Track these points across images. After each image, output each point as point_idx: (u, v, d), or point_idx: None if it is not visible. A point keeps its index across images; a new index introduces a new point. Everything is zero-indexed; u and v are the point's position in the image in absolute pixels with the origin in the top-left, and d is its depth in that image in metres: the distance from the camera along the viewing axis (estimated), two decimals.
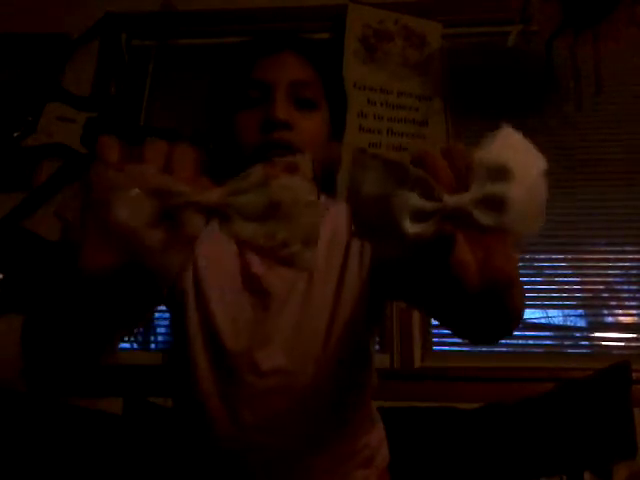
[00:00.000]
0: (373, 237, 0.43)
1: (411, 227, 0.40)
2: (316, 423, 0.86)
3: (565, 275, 1.76)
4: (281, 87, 0.85)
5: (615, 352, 1.62)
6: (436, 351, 1.66)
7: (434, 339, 1.67)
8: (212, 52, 1.99)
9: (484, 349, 1.66)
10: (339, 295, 0.86)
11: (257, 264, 0.88)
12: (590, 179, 1.76)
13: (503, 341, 1.70)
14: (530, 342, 1.69)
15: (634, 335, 1.63)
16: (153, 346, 1.78)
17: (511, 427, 1.30)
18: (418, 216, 0.40)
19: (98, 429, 1.39)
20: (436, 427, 1.33)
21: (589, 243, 1.72)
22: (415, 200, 0.40)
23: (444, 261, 0.40)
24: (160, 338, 1.78)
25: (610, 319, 1.71)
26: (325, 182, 0.86)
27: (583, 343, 1.69)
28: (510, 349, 1.68)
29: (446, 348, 1.68)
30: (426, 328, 1.67)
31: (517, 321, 0.62)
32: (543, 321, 1.76)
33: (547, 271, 1.76)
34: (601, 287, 1.70)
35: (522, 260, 1.76)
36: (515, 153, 0.41)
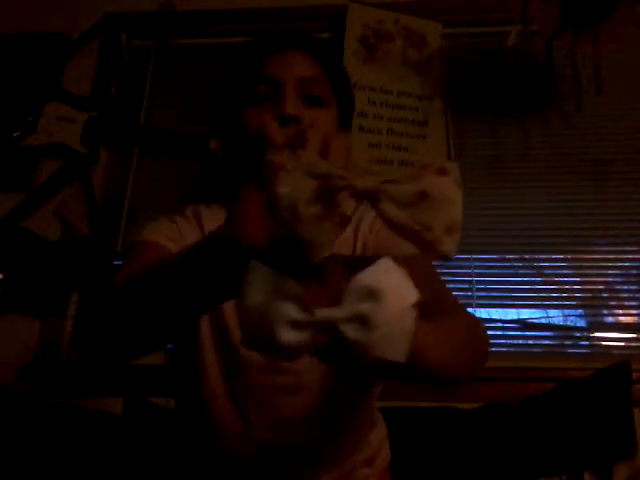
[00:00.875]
0: (255, 345, 0.46)
1: (286, 335, 0.44)
2: (322, 422, 0.86)
3: (565, 275, 1.76)
4: (290, 83, 0.85)
5: (615, 352, 1.62)
6: None
7: None
8: (212, 52, 1.99)
9: None
10: None
11: None
12: (590, 179, 1.75)
13: (503, 341, 1.70)
14: (530, 342, 1.69)
15: (634, 335, 1.63)
16: None
17: (511, 427, 1.30)
18: (295, 326, 0.44)
19: (98, 429, 1.39)
20: (436, 427, 1.33)
21: (589, 243, 1.72)
22: (290, 311, 0.44)
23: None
24: None
25: (610, 319, 1.71)
26: None
27: (583, 343, 1.69)
28: (510, 349, 1.68)
29: None
30: None
31: (451, 379, 0.61)
32: (543, 321, 1.76)
33: (547, 271, 1.77)
34: (601, 287, 1.70)
35: (522, 260, 1.76)
36: (390, 281, 0.45)
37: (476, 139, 1.83)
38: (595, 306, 1.71)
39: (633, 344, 1.62)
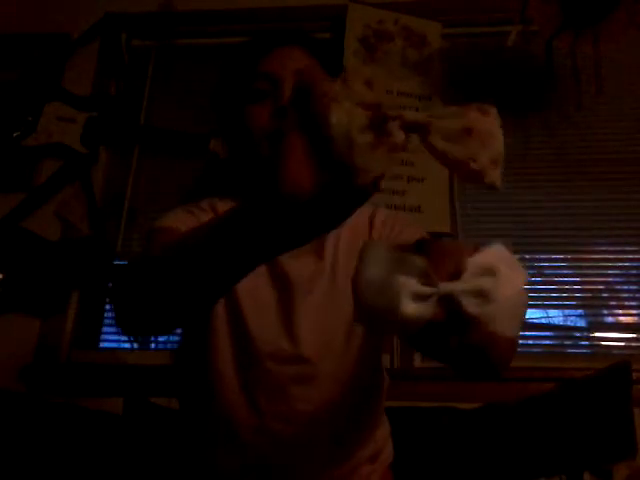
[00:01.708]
0: (372, 319, 0.49)
1: (410, 308, 0.46)
2: (334, 415, 0.86)
3: (565, 275, 1.76)
4: (289, 78, 0.87)
5: (615, 352, 1.62)
6: None
7: None
8: (212, 52, 1.99)
9: None
10: None
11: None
12: (590, 179, 1.75)
13: None
14: (530, 342, 1.69)
15: (634, 335, 1.63)
16: (153, 346, 1.78)
17: (511, 427, 1.30)
18: (417, 299, 0.46)
19: (98, 429, 1.39)
20: (436, 427, 1.33)
21: (589, 243, 1.72)
22: (414, 285, 0.46)
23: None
24: (160, 338, 1.78)
25: (610, 319, 1.71)
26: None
27: (583, 343, 1.69)
28: None
29: None
30: None
31: (502, 367, 0.66)
32: (543, 321, 1.76)
33: (547, 271, 1.76)
34: (601, 287, 1.70)
35: (522, 260, 1.76)
36: (504, 262, 0.48)
37: None
38: (595, 306, 1.71)
39: (633, 344, 1.62)
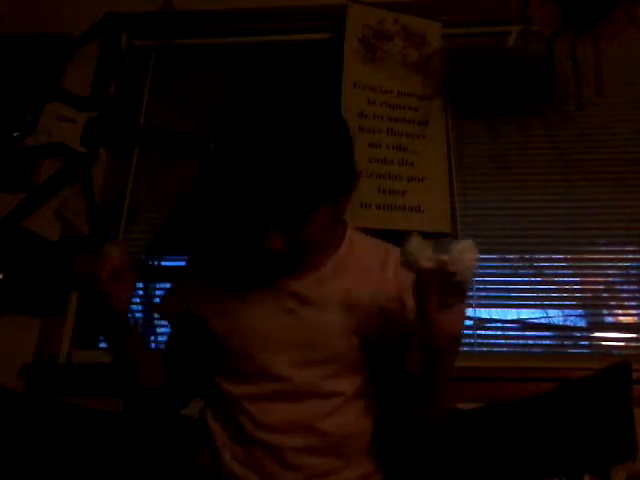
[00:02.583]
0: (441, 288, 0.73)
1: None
2: (327, 430, 0.89)
3: (565, 275, 1.76)
4: None
5: (615, 352, 1.62)
6: None
7: None
8: (212, 52, 1.99)
9: (484, 349, 1.66)
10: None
11: None
12: (590, 179, 1.75)
13: (503, 341, 1.70)
14: (530, 342, 1.69)
15: (634, 335, 1.63)
16: (153, 346, 1.78)
17: (511, 427, 1.30)
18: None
19: (98, 429, 1.39)
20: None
21: (589, 243, 1.72)
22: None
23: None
24: (160, 338, 1.78)
25: (610, 319, 1.71)
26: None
27: (583, 343, 1.69)
28: (510, 349, 1.68)
29: None
30: None
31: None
32: (543, 321, 1.76)
33: (547, 271, 1.76)
34: (601, 287, 1.70)
35: (522, 260, 1.76)
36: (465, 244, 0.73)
37: (476, 139, 1.83)
38: (595, 306, 1.71)
39: (633, 344, 1.62)
